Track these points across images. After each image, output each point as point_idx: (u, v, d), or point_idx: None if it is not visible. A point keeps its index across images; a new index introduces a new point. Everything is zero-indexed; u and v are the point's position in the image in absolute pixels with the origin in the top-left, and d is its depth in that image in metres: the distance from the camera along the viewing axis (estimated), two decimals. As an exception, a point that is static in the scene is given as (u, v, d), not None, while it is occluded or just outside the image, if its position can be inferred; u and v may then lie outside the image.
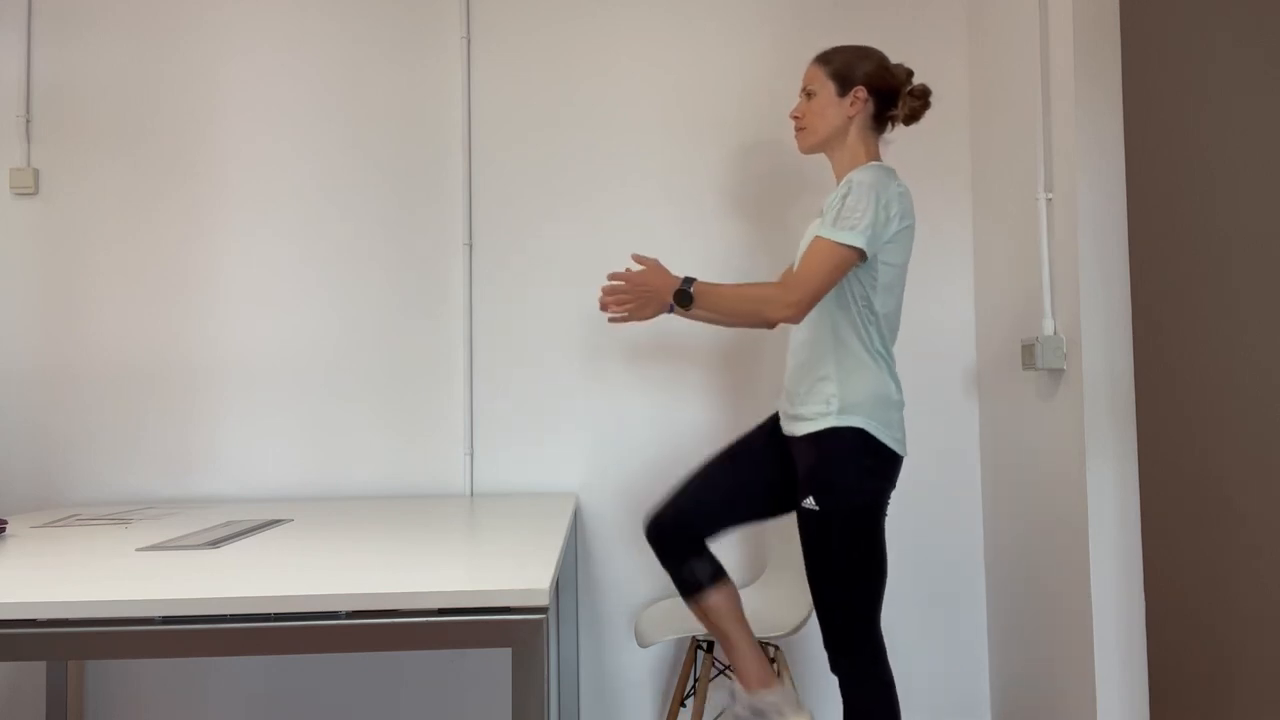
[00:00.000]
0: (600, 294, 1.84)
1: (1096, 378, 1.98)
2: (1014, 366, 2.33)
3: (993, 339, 2.46)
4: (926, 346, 2.57)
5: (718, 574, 1.85)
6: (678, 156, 2.60)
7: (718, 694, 1.84)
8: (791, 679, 1.87)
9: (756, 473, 1.90)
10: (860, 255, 1.67)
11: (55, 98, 2.59)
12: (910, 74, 1.85)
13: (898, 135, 2.59)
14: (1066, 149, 2.04)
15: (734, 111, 2.60)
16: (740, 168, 2.59)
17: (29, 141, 2.58)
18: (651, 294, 1.73)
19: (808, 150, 1.87)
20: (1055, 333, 2.10)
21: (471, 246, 2.58)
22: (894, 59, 2.60)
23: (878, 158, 1.84)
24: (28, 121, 2.58)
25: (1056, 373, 2.10)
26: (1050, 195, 2.12)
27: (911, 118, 1.85)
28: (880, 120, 1.85)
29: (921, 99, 1.83)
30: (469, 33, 2.61)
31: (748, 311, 1.68)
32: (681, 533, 1.85)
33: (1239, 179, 2.37)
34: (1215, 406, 2.43)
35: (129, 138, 2.59)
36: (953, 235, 2.59)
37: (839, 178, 1.85)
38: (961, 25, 2.61)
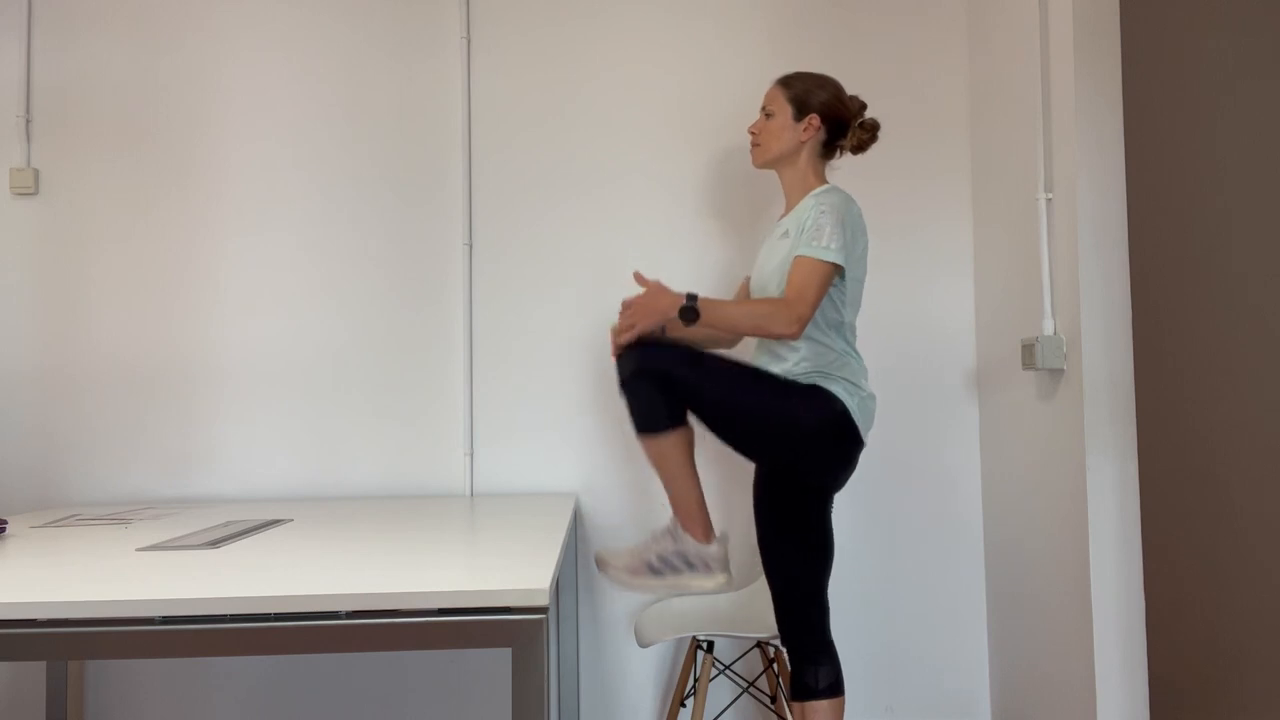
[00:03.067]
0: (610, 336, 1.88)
1: (1096, 378, 1.98)
2: (1014, 366, 2.33)
3: (993, 339, 2.46)
4: (926, 346, 2.57)
5: (678, 419, 1.80)
6: (678, 156, 2.60)
7: (660, 540, 1.85)
8: (725, 548, 1.90)
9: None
10: (839, 272, 1.80)
11: (55, 98, 2.59)
12: (863, 107, 1.98)
13: (898, 137, 2.59)
14: (1066, 149, 2.04)
15: (734, 112, 2.60)
16: (741, 168, 2.59)
17: (29, 141, 2.58)
18: (653, 311, 1.78)
19: (760, 165, 2.00)
20: (1055, 333, 2.10)
21: (471, 246, 2.58)
22: (894, 59, 2.60)
23: (825, 181, 1.97)
24: (28, 121, 2.58)
25: (1056, 373, 2.10)
26: (1050, 195, 2.12)
27: (859, 148, 1.98)
28: (830, 147, 1.97)
29: (870, 132, 1.97)
30: (469, 33, 2.61)
31: (751, 326, 1.76)
32: (661, 371, 1.76)
33: (1239, 179, 2.37)
34: (1215, 406, 2.43)
35: (129, 138, 2.59)
36: (953, 235, 2.59)
37: (788, 195, 1.99)
38: (961, 25, 2.61)
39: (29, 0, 2.59)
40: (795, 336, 1.75)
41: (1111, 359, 1.98)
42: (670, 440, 1.81)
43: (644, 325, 1.78)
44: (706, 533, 1.87)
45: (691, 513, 1.86)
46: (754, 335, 1.77)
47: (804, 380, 1.80)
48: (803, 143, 1.93)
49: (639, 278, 1.83)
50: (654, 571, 1.87)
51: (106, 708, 2.49)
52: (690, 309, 1.75)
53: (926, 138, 2.60)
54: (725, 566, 1.87)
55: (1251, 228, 2.33)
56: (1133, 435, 1.98)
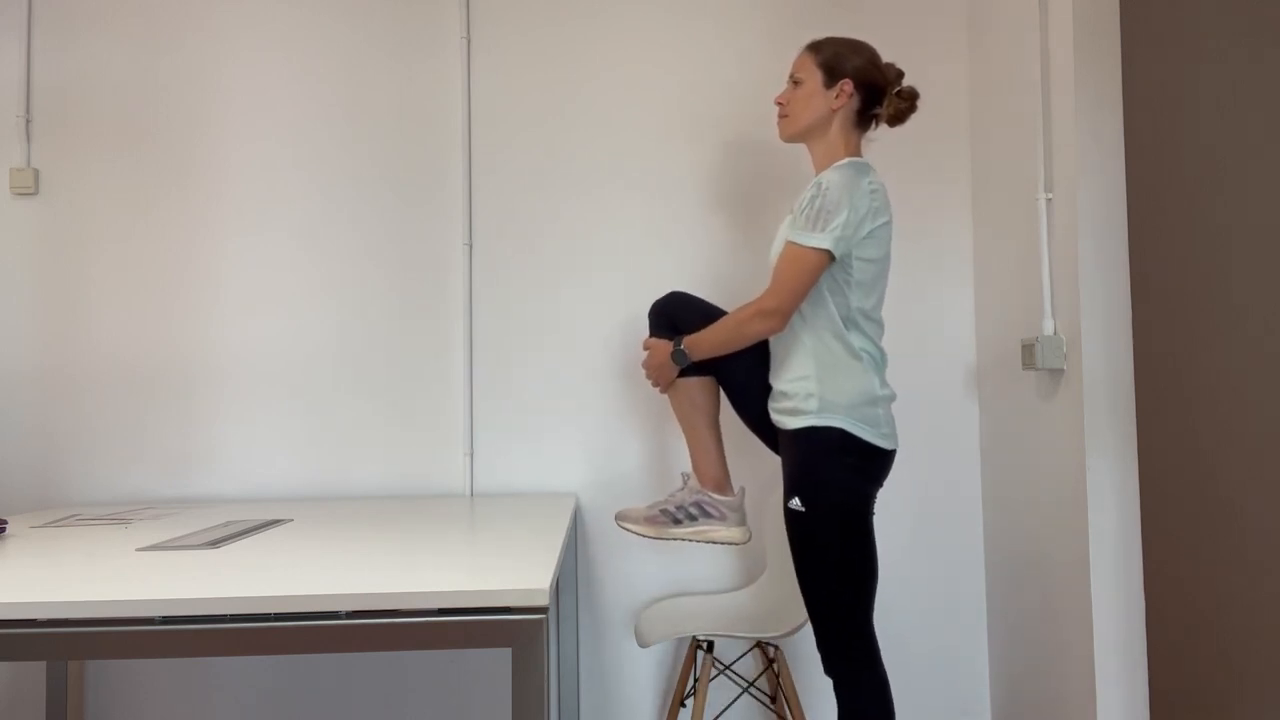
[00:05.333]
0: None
1: (1096, 378, 1.98)
2: (1014, 366, 2.33)
3: (993, 339, 2.46)
4: (926, 346, 2.57)
5: (705, 369, 1.90)
6: (677, 155, 2.60)
7: (678, 492, 1.94)
8: (743, 501, 1.93)
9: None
10: (830, 257, 1.68)
11: (55, 98, 2.59)
12: (900, 74, 1.84)
13: (897, 136, 2.59)
14: (1066, 149, 2.04)
15: (733, 111, 2.60)
16: (740, 167, 2.59)
17: (29, 141, 2.58)
18: (661, 365, 1.89)
19: (788, 139, 1.87)
20: (1055, 333, 2.10)
21: (471, 246, 2.58)
22: (894, 59, 2.59)
23: (858, 154, 1.83)
24: (28, 121, 2.58)
25: (1056, 373, 2.10)
26: (1050, 195, 2.12)
27: (896, 119, 1.84)
28: (865, 117, 1.83)
29: (909, 101, 1.82)
30: (469, 33, 2.61)
31: (735, 337, 1.77)
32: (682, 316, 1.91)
33: (1239, 179, 2.37)
34: (1215, 406, 2.43)
35: (129, 138, 2.58)
36: (953, 235, 2.59)
37: (817, 170, 1.85)
38: (961, 25, 2.61)
39: (29, 0, 2.59)
40: (779, 328, 1.71)
41: (1111, 359, 1.98)
42: (697, 385, 1.88)
43: (660, 377, 1.90)
44: (721, 485, 1.90)
45: (709, 466, 1.89)
46: (743, 343, 1.76)
47: (804, 423, 1.72)
48: (834, 111, 1.79)
49: (644, 343, 1.93)
50: (674, 521, 1.89)
51: (106, 708, 2.49)
52: (679, 353, 1.83)
53: (926, 138, 2.60)
54: (744, 519, 1.91)
55: (1251, 228, 2.33)
56: (1133, 435, 1.98)
